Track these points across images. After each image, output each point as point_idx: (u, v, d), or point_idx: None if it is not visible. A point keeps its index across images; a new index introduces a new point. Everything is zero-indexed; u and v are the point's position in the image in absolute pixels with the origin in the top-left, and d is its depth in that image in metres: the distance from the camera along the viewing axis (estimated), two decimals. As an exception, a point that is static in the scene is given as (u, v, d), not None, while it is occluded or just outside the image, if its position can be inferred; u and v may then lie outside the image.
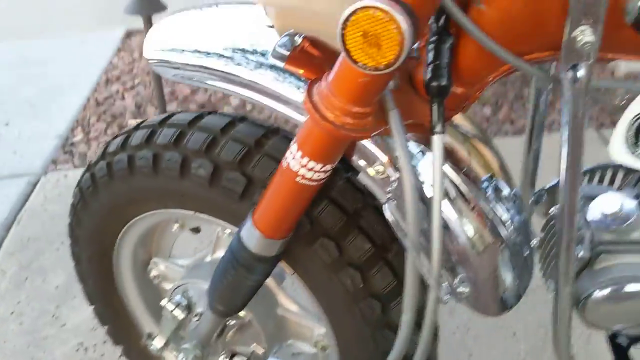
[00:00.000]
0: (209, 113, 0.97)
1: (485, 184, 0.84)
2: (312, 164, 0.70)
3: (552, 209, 0.95)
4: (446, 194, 0.80)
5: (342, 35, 0.56)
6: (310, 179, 0.72)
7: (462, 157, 0.84)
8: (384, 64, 0.56)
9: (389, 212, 0.68)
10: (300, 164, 0.71)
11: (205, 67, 0.88)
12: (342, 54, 0.58)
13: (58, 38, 3.61)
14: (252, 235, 0.82)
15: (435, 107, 0.65)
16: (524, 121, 2.42)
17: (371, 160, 0.74)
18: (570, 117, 0.67)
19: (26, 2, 4.27)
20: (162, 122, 0.97)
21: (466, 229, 0.79)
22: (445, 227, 0.77)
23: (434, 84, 0.65)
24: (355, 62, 0.57)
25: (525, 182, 1.09)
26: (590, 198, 0.93)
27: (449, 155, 0.82)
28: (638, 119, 0.63)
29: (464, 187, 0.81)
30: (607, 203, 0.88)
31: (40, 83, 3.04)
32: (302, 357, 1.14)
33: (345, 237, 0.88)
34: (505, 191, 0.87)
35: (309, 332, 1.08)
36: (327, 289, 0.91)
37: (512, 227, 0.84)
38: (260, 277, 0.89)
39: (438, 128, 0.65)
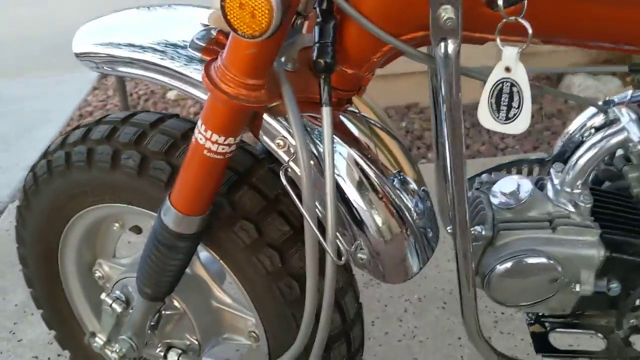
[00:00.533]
0: (142, 112, 1.04)
1: (392, 177, 0.91)
2: (215, 136, 0.77)
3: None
4: (356, 183, 0.87)
5: (223, 7, 0.64)
6: (216, 152, 0.79)
7: (371, 149, 0.91)
8: (259, 31, 0.64)
9: (284, 178, 0.74)
10: (205, 137, 0.78)
11: (139, 60, 0.94)
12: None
13: (36, 78, 3.71)
14: (170, 214, 0.88)
15: (322, 82, 0.73)
16: (478, 145, 2.52)
17: (274, 135, 0.81)
18: (445, 94, 0.74)
19: (6, 42, 4.38)
20: (98, 122, 1.05)
21: (375, 216, 0.85)
22: (343, 199, 0.83)
23: (320, 60, 0.72)
24: (235, 30, 0.65)
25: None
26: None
27: (357, 145, 0.89)
28: (498, 85, 0.71)
29: (372, 176, 0.87)
30: (506, 185, 0.95)
31: (15, 119, 3.12)
32: (239, 351, 1.17)
33: (265, 220, 0.94)
34: (412, 185, 0.94)
35: (244, 324, 1.12)
36: (248, 270, 0.96)
37: (417, 214, 0.91)
38: (183, 257, 0.94)
39: (326, 101, 0.73)
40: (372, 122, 0.94)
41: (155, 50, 0.94)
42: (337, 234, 0.81)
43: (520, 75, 0.70)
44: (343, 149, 0.87)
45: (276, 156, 0.82)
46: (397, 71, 2.73)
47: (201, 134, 0.78)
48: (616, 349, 1.11)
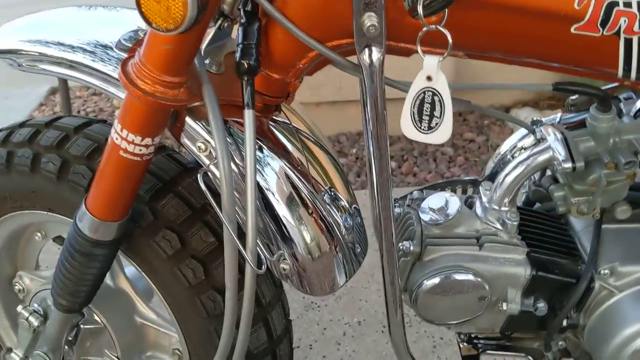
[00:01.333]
0: (69, 116, 1.01)
1: (323, 193, 0.89)
2: (131, 136, 0.74)
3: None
4: (286, 197, 0.85)
5: (138, 1, 0.62)
6: (132, 153, 0.76)
7: (302, 162, 0.89)
8: (174, 25, 0.62)
9: (202, 182, 0.72)
10: (121, 137, 0.75)
11: (65, 59, 0.91)
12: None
13: (-18, 93, 3.60)
14: (86, 219, 0.84)
15: (245, 84, 0.71)
16: (425, 174, 2.54)
17: (196, 138, 0.79)
18: (370, 104, 0.74)
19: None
20: (21, 125, 1.01)
21: (304, 233, 0.84)
22: (266, 205, 0.81)
23: (243, 62, 0.71)
24: (150, 24, 0.63)
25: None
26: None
27: (287, 157, 0.87)
28: (420, 95, 0.71)
29: (303, 191, 0.86)
30: (435, 201, 0.95)
31: (-45, 132, 3.00)
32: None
33: (189, 230, 0.91)
34: (342, 202, 0.93)
35: (168, 341, 1.08)
36: (170, 283, 0.92)
37: (346, 230, 0.90)
38: (100, 265, 0.90)
39: (248, 103, 0.71)
40: (305, 135, 0.93)
41: (84, 50, 0.91)
42: (259, 242, 0.79)
43: (442, 85, 0.70)
44: (273, 161, 0.85)
45: (197, 160, 0.80)
46: (348, 98, 2.76)
47: (117, 134, 0.75)
48: (546, 372, 1.10)
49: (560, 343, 1.02)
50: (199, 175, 0.72)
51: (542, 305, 0.93)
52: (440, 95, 0.70)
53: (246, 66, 0.71)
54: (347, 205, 0.92)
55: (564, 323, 0.95)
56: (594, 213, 0.89)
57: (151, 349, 1.09)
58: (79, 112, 3.19)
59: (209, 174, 0.77)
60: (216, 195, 0.74)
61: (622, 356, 0.89)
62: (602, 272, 0.91)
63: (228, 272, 0.76)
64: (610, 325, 0.91)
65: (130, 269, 1.04)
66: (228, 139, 0.78)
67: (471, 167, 2.60)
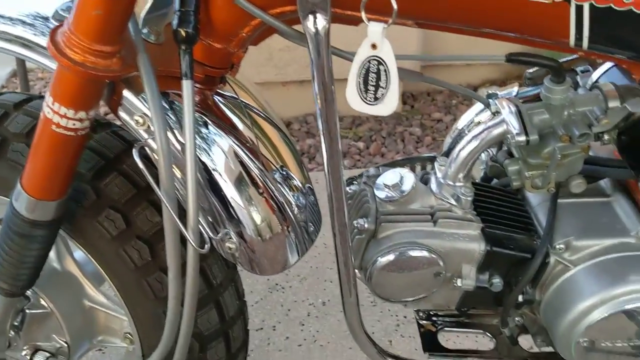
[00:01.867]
0: (10, 92, 0.96)
1: (274, 171, 0.86)
2: (63, 109, 0.71)
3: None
4: (235, 176, 0.82)
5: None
6: (66, 128, 0.72)
7: (252, 139, 0.86)
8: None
9: (137, 156, 0.69)
10: (52, 111, 0.71)
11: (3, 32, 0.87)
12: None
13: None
14: (22, 199, 0.80)
15: (182, 53, 0.68)
16: (393, 154, 2.53)
17: (133, 112, 0.76)
18: (317, 73, 0.71)
19: None
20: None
21: (254, 214, 0.81)
22: (213, 185, 0.78)
23: (180, 30, 0.68)
24: (73, -12, 0.59)
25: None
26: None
27: (235, 134, 0.84)
28: (365, 64, 0.68)
29: (253, 169, 0.83)
30: (389, 177, 0.93)
31: None
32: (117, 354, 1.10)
33: (134, 210, 0.88)
34: (295, 181, 0.90)
35: (119, 325, 1.04)
36: (116, 264, 0.89)
37: (298, 209, 0.87)
38: (40, 246, 0.86)
39: (186, 73, 0.68)
40: (255, 110, 0.90)
41: (24, 23, 0.86)
42: (203, 221, 0.76)
43: (387, 53, 0.67)
44: (220, 138, 0.82)
45: (136, 135, 0.76)
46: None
47: (49, 107, 0.71)
48: (504, 349, 1.10)
49: (517, 319, 1.02)
50: (134, 150, 0.69)
51: (497, 281, 0.92)
52: (386, 64, 0.67)
53: (183, 34, 0.68)
54: (300, 184, 0.90)
55: (520, 299, 0.94)
56: (548, 187, 0.87)
57: (102, 333, 1.06)
58: (40, 94, 3.10)
59: (147, 149, 0.74)
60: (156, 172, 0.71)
61: (576, 331, 0.89)
62: (557, 246, 0.90)
63: (169, 253, 0.73)
64: (565, 300, 0.90)
65: (80, 251, 1.00)
66: (169, 113, 0.75)
67: (439, 147, 2.59)
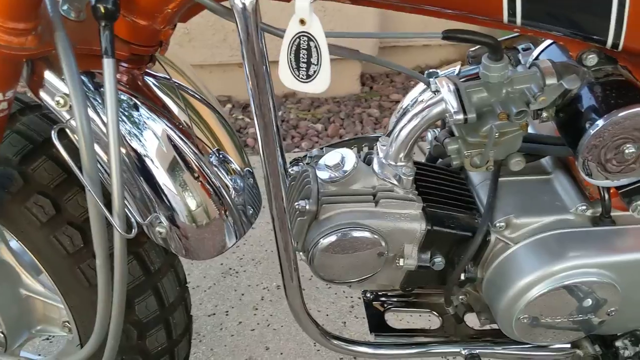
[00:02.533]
0: None
1: (210, 155, 0.84)
2: (-24, 89, 0.67)
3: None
4: (169, 161, 0.79)
5: None
6: (-20, 108, 0.69)
7: (186, 122, 0.83)
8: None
9: (56, 138, 0.66)
10: (-35, 91, 0.67)
11: None
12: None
13: None
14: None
15: (102, 30, 0.65)
16: (352, 135, 2.52)
17: (54, 93, 0.72)
18: (247, 52, 0.69)
19: None
20: None
21: (188, 200, 0.79)
22: (144, 171, 0.76)
23: (99, 5, 0.64)
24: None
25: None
26: (325, 158, 0.96)
27: (168, 116, 0.81)
28: (295, 40, 0.66)
29: (188, 153, 0.80)
30: (331, 158, 0.91)
31: None
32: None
33: (64, 195, 0.84)
34: (232, 165, 0.88)
35: (57, 314, 1.01)
36: (47, 251, 0.86)
37: (236, 192, 0.85)
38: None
39: (107, 51, 0.65)
40: (189, 91, 0.87)
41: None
42: (130, 205, 0.73)
43: (316, 29, 0.65)
44: (152, 122, 0.79)
45: (58, 117, 0.73)
46: (273, 58, 2.69)
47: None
48: (451, 327, 1.11)
49: (461, 297, 1.02)
50: (52, 132, 0.65)
51: (439, 259, 0.91)
52: (316, 41, 0.65)
53: (103, 10, 0.64)
54: (238, 167, 0.88)
55: (462, 277, 0.94)
56: (487, 166, 0.87)
57: (41, 322, 1.03)
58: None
59: (69, 131, 0.71)
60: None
61: (516, 307, 0.89)
62: (497, 224, 0.90)
63: (96, 238, 0.70)
64: (505, 278, 0.91)
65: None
66: (95, 95, 0.72)
67: (397, 128, 2.59)
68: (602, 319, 0.92)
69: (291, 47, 0.66)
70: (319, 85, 0.68)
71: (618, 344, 1.02)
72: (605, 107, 0.80)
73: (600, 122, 0.79)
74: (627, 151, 0.81)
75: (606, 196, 0.88)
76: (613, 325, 0.97)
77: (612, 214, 0.90)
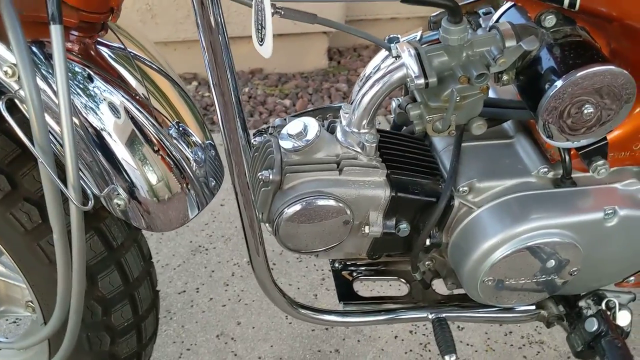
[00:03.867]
0: None
1: (170, 128, 0.82)
2: None
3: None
4: (127, 135, 0.77)
5: None
6: None
7: (143, 94, 0.81)
8: None
9: (3, 108, 0.63)
10: None
11: None
12: None
13: None
14: None
15: (48, -5, 0.63)
16: (320, 110, 2.50)
17: (1, 63, 0.70)
18: (200, 20, 0.67)
19: None
20: None
21: (149, 174, 0.77)
22: (101, 144, 0.74)
23: (43, -30, 0.62)
24: None
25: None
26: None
27: (125, 88, 0.79)
28: (257, 6, 0.64)
29: (147, 126, 0.79)
30: (293, 127, 0.90)
31: None
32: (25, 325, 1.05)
33: (19, 170, 0.82)
34: (193, 137, 0.86)
35: (20, 294, 0.99)
36: (4, 229, 0.84)
37: (197, 164, 0.84)
38: None
39: (54, 17, 0.63)
40: (146, 62, 0.85)
41: None
42: (86, 177, 0.72)
43: (265, -7, 0.64)
44: (107, 93, 0.77)
45: (7, 88, 0.71)
46: (237, 34, 2.65)
47: None
48: (418, 293, 1.12)
49: (427, 263, 1.03)
50: (0, 103, 0.63)
51: (404, 226, 0.92)
52: (263, 4, 0.64)
53: (47, -26, 0.62)
54: (199, 139, 0.86)
55: (428, 242, 0.94)
56: (449, 130, 0.87)
57: (3, 303, 1.01)
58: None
59: (18, 102, 0.68)
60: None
61: (480, 270, 0.90)
62: (460, 189, 0.90)
63: (51, 212, 0.68)
64: (469, 241, 0.91)
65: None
66: (45, 66, 0.69)
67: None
68: (565, 279, 0.94)
69: (256, 12, 0.65)
70: (266, 50, 0.67)
71: (581, 303, 1.04)
72: (564, 68, 0.80)
73: (559, 83, 0.80)
74: (585, 111, 0.82)
75: (567, 158, 0.89)
76: (576, 285, 0.99)
77: (572, 175, 0.91)
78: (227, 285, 1.57)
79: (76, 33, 0.72)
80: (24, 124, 0.76)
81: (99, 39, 0.77)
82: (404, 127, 1.04)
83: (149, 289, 0.97)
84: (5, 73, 0.69)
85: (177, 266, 1.61)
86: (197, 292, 1.55)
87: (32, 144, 0.65)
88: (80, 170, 0.68)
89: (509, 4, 0.91)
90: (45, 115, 0.66)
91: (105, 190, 0.73)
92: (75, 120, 0.69)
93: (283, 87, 2.64)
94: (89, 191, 0.70)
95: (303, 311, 1.00)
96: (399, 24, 2.87)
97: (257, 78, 2.74)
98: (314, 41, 2.67)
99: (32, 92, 0.62)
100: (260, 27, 0.66)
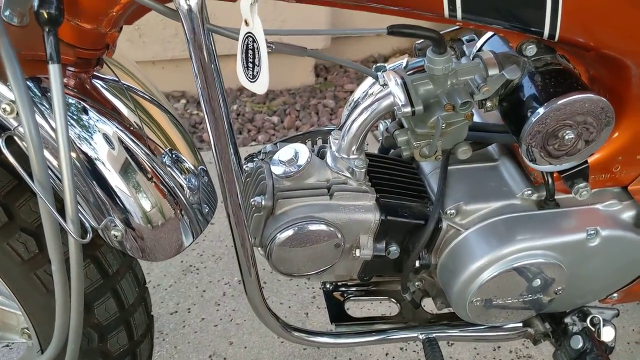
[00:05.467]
0: None
1: (163, 155, 0.84)
2: None
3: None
4: (121, 164, 0.79)
5: None
6: None
7: (136, 123, 0.83)
8: None
9: (3, 146, 0.65)
10: None
11: None
12: None
13: None
14: None
15: (46, 36, 0.65)
16: (307, 127, 2.53)
17: (0, 101, 0.71)
18: (194, 52, 0.69)
19: None
20: None
21: (143, 201, 0.79)
22: (96, 174, 0.76)
23: (42, 11, 0.64)
24: None
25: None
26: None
27: (118, 118, 0.81)
28: (245, 41, 0.67)
29: (140, 155, 0.80)
30: (284, 153, 0.92)
31: None
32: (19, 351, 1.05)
33: (16, 201, 0.83)
34: (186, 164, 0.88)
35: (16, 320, 1.00)
36: (1, 258, 0.85)
37: (190, 191, 0.86)
38: None
39: (52, 57, 0.65)
40: (137, 92, 0.87)
41: None
42: (84, 210, 0.73)
43: (257, 29, 0.66)
44: (102, 124, 0.79)
45: (6, 125, 0.72)
46: (225, 52, 2.68)
47: None
48: (409, 313, 1.14)
49: (417, 284, 1.05)
50: (0, 140, 0.65)
51: (394, 248, 0.94)
52: (257, 42, 0.66)
53: (46, 16, 0.64)
54: (192, 166, 0.88)
55: (417, 264, 0.97)
56: (436, 155, 0.90)
57: (-1, 330, 1.02)
58: None
59: (17, 138, 0.70)
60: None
61: (469, 290, 0.93)
62: (448, 212, 0.93)
63: (50, 245, 0.70)
64: (457, 263, 0.94)
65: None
66: (42, 100, 0.71)
67: (352, 118, 2.61)
68: (550, 297, 0.96)
69: (243, 47, 0.67)
70: (260, 86, 0.69)
71: (567, 320, 1.07)
72: (545, 96, 0.83)
73: (541, 110, 0.83)
74: (567, 137, 0.85)
75: (550, 180, 0.92)
76: (561, 303, 1.02)
77: (556, 197, 0.94)
78: (219, 304, 1.59)
79: (73, 69, 0.74)
80: (21, 156, 0.78)
81: (94, 73, 0.79)
82: (392, 150, 1.07)
83: (144, 314, 0.98)
84: (4, 110, 0.70)
85: (168, 286, 1.62)
86: (189, 312, 1.56)
87: (31, 178, 0.67)
88: (78, 203, 0.70)
89: (491, 33, 0.94)
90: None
91: (103, 222, 0.75)
92: (72, 154, 0.71)
93: (271, 104, 2.66)
94: (87, 224, 0.72)
95: (296, 334, 1.02)
96: (383, 40, 2.91)
97: (245, 95, 2.76)
98: (301, 58, 2.70)
99: (31, 131, 0.64)
100: (251, 65, 0.68)
